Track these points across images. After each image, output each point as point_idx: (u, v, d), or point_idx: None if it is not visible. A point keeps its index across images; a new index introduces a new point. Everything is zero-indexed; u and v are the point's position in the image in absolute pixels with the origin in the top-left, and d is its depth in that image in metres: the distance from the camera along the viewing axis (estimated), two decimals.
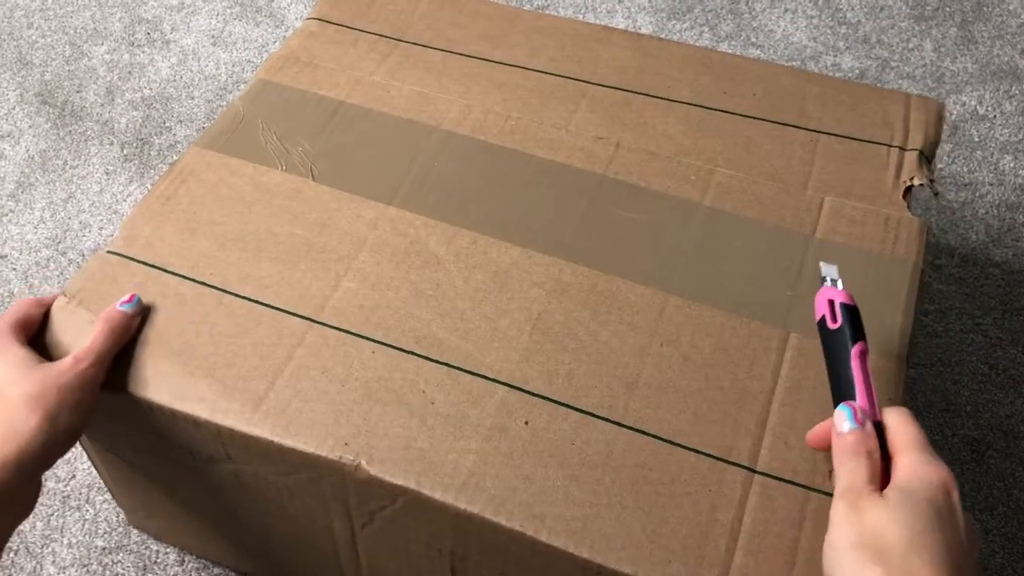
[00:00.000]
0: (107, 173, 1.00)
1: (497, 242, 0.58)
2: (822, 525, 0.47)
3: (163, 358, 0.52)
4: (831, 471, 0.48)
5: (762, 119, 0.65)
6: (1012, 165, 1.01)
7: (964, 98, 1.07)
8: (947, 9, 1.17)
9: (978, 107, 1.06)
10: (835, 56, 1.11)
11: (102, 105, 1.07)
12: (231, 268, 0.56)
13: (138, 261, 0.56)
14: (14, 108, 1.07)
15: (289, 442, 0.49)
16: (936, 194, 0.62)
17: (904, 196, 0.61)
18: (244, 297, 0.55)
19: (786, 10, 1.16)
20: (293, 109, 0.65)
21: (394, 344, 0.53)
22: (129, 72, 1.11)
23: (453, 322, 0.54)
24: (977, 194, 0.98)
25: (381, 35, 0.71)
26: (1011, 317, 0.88)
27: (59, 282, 0.91)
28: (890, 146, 0.64)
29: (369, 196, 0.60)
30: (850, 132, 0.64)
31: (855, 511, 0.42)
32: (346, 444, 0.49)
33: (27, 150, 1.02)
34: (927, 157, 0.63)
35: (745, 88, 0.68)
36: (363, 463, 0.48)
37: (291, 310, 0.54)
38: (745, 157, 0.63)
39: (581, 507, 0.47)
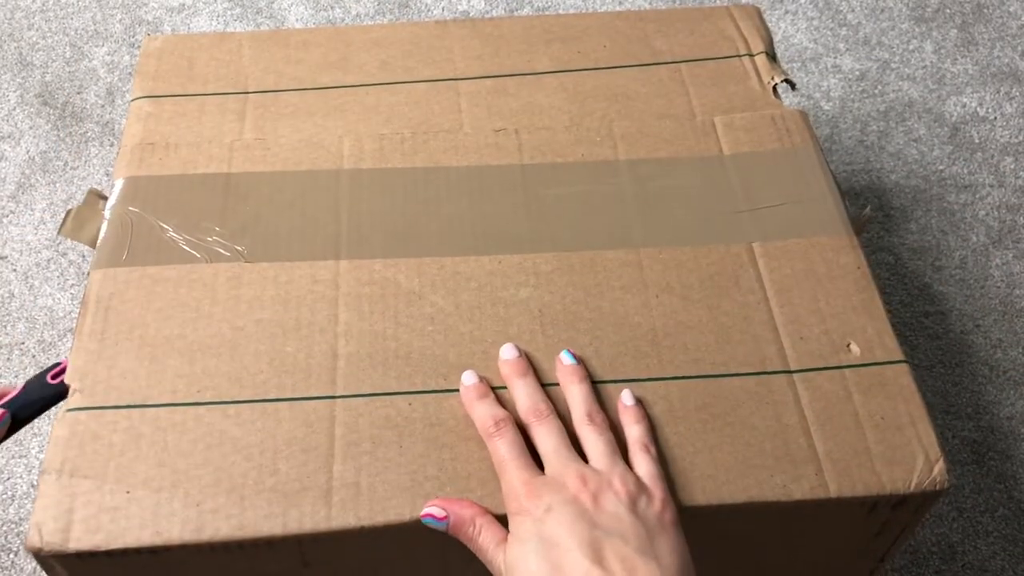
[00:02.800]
0: (108, 174, 1.00)
1: (463, 259, 0.57)
2: (867, 390, 0.52)
3: (200, 493, 0.48)
4: (848, 344, 0.54)
5: (623, 66, 0.69)
6: (1012, 167, 1.01)
7: (964, 100, 1.07)
8: (947, 11, 1.15)
9: (978, 109, 1.06)
10: (835, 57, 1.11)
11: (103, 106, 1.08)
12: (217, 378, 0.52)
13: (112, 407, 0.51)
14: (14, 109, 1.07)
15: (380, 520, 0.47)
16: (793, 87, 0.69)
17: (774, 95, 0.67)
18: (248, 401, 0.51)
19: (787, 11, 1.15)
20: (180, 197, 0.60)
21: (425, 389, 0.52)
22: (129, 73, 1.10)
23: (467, 347, 0.53)
24: (978, 196, 0.99)
25: (223, 93, 0.67)
26: (1012, 319, 0.89)
27: (59, 284, 0.91)
28: (740, 56, 0.70)
29: (313, 257, 0.57)
30: (702, 55, 0.70)
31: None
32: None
33: (27, 151, 1.02)
34: (772, 56, 0.70)
35: (593, 43, 0.71)
36: None
37: (304, 395, 0.51)
38: (630, 106, 0.66)
39: (675, 462, 0.49)
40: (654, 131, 0.64)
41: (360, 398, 0.51)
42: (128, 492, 0.48)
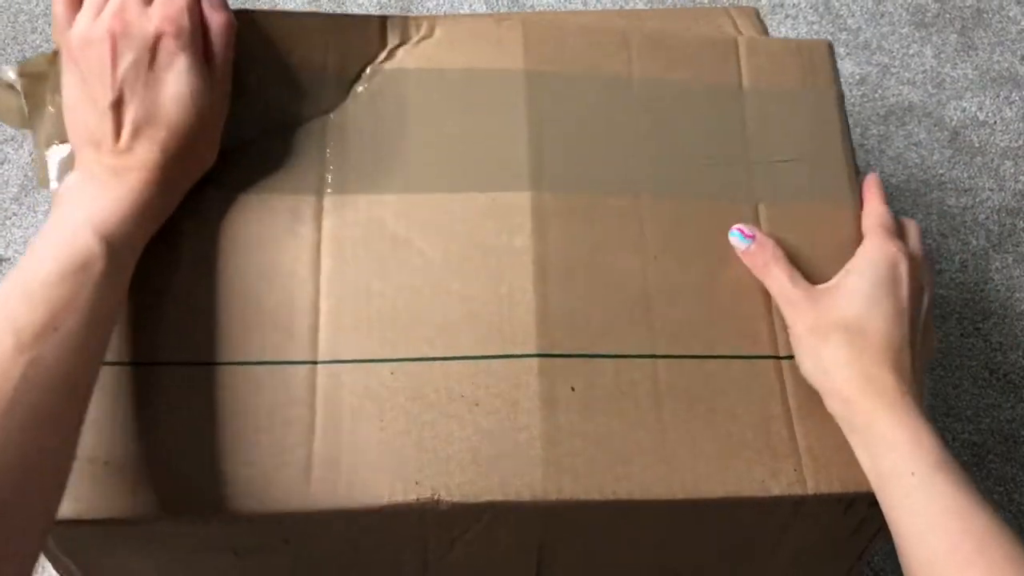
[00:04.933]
0: None
1: (454, 196, 0.53)
2: None
3: (179, 463, 0.47)
4: None
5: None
6: (1012, 171, 1.01)
7: (964, 104, 1.05)
8: (947, 16, 1.13)
9: (978, 113, 1.05)
10: (836, 61, 1.03)
11: None
12: (191, 335, 0.50)
13: None
14: None
15: (359, 503, 0.47)
16: None
17: None
18: (223, 363, 0.49)
19: (787, 16, 1.14)
20: None
21: (408, 356, 0.50)
22: None
23: (454, 305, 0.51)
24: (977, 199, 0.99)
25: None
26: (1012, 322, 0.90)
27: None
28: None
29: (295, 191, 0.53)
30: None
31: (799, 309, 0.51)
32: (417, 483, 0.48)
33: (30, 153, 1.02)
34: None
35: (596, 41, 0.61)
36: (442, 495, 0.48)
37: (284, 359, 0.50)
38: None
39: (656, 451, 0.49)
40: (672, 45, 0.59)
41: (342, 365, 0.50)
42: (106, 463, 0.47)
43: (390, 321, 0.51)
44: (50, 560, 0.49)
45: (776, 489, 0.49)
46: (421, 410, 0.49)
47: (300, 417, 0.49)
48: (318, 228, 0.52)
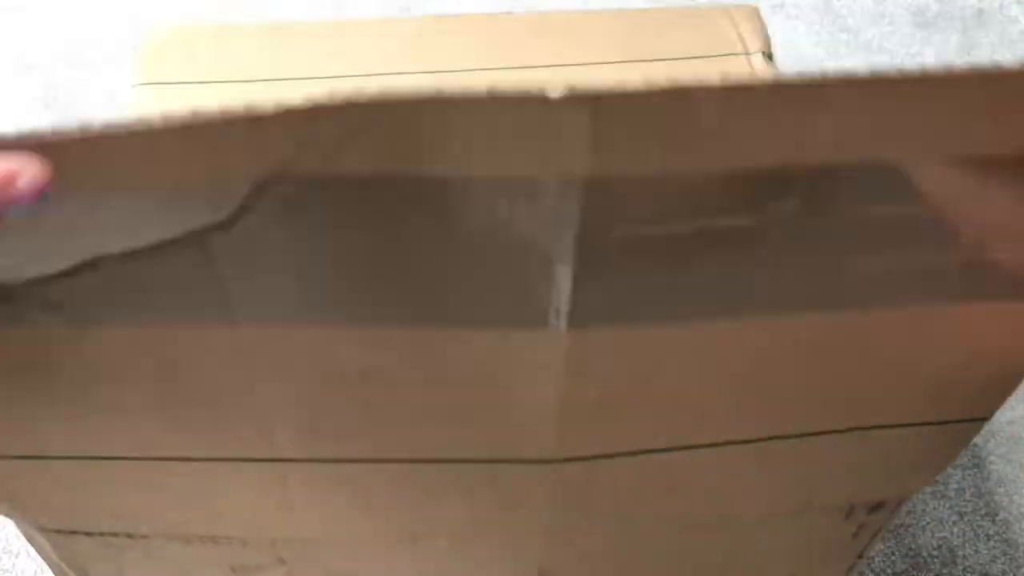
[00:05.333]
0: None
1: (455, 333, 0.34)
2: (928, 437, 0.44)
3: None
4: None
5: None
6: None
7: None
8: (948, 16, 1.15)
9: None
10: (837, 62, 1.11)
11: (106, 110, 1.06)
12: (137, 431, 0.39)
13: None
14: (16, 114, 1.07)
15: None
16: None
17: None
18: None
19: (788, 16, 1.14)
20: None
21: (398, 457, 0.41)
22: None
23: (459, 414, 0.39)
24: None
25: (223, 81, 0.54)
26: None
27: None
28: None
29: (184, 318, 0.33)
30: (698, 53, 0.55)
31: None
32: (411, 533, 0.46)
33: None
34: (769, 56, 0.58)
35: (591, 40, 0.58)
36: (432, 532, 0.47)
37: (250, 456, 0.40)
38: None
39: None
40: None
41: (322, 464, 0.41)
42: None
43: (367, 421, 0.39)
44: (51, 567, 0.49)
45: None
46: (405, 494, 0.44)
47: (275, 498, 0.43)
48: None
